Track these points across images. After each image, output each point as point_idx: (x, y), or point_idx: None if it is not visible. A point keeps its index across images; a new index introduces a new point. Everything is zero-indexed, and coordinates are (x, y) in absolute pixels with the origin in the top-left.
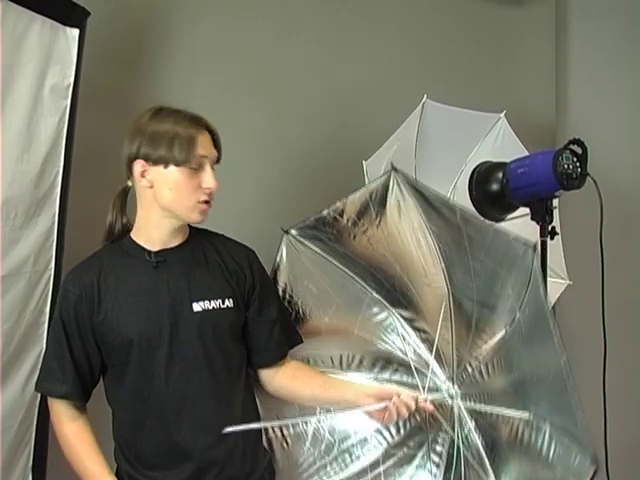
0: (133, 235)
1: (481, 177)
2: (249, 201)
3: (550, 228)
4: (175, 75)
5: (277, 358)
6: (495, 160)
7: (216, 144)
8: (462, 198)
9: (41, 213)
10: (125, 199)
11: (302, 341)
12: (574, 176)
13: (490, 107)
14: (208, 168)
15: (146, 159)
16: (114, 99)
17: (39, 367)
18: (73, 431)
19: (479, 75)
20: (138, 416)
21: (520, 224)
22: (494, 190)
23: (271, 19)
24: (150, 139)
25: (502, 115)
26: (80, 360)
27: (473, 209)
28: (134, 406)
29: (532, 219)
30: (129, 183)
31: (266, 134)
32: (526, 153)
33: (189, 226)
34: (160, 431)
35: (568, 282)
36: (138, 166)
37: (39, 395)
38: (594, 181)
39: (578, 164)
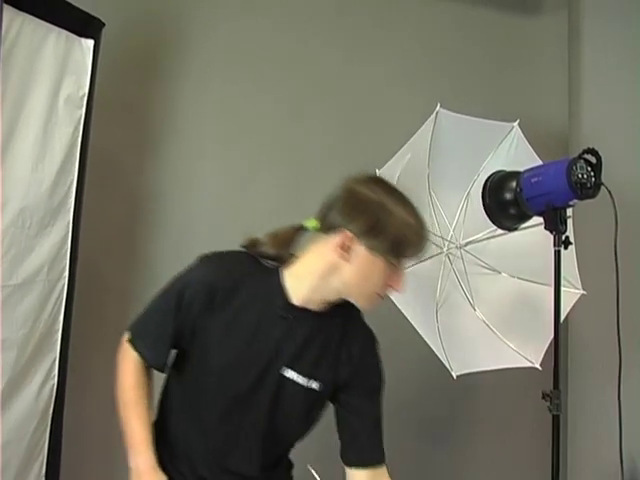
0: (286, 275)
1: (494, 186)
2: (260, 207)
3: (564, 238)
4: (188, 84)
5: (374, 460)
6: (509, 169)
7: None
8: (475, 207)
9: (55, 222)
10: (296, 238)
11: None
12: (588, 185)
13: (503, 116)
14: (402, 269)
15: (358, 237)
16: (127, 109)
17: (55, 373)
18: (136, 384)
19: (492, 84)
20: (182, 423)
21: (534, 233)
22: (508, 199)
23: (285, 27)
24: (378, 226)
25: (515, 124)
26: (177, 336)
27: (486, 218)
28: (182, 414)
29: (546, 228)
30: (309, 226)
31: (279, 142)
32: (540, 162)
33: None
34: (198, 444)
35: (582, 292)
36: (344, 238)
37: (52, 403)
38: (608, 191)
39: (592, 173)
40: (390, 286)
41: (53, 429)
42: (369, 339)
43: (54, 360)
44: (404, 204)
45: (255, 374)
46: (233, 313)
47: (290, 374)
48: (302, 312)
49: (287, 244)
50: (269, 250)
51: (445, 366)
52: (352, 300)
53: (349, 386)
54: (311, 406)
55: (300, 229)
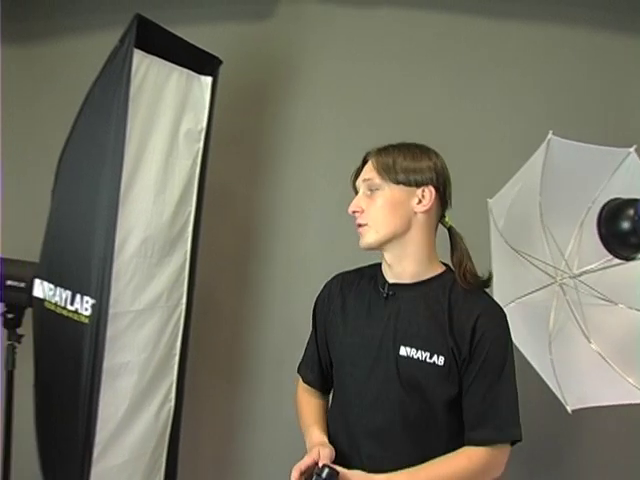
0: None
1: (610, 215)
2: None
3: None
4: (298, 117)
5: (470, 440)
6: (625, 197)
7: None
8: (589, 236)
9: (174, 251)
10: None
11: (514, 439)
12: None
13: (618, 142)
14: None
15: None
16: (241, 141)
17: (172, 396)
18: (304, 399)
19: (606, 109)
20: (335, 423)
21: None
22: (625, 228)
23: (393, 62)
24: None
25: (632, 150)
26: (322, 353)
27: (602, 247)
28: (335, 410)
29: None
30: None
31: None
32: None
33: (446, 265)
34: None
35: None
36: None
37: (169, 425)
38: None
39: None
40: None
41: (170, 450)
42: (485, 314)
43: (171, 383)
44: None
45: (372, 363)
46: (347, 309)
47: (407, 350)
48: (399, 287)
49: None
50: None
51: (559, 400)
52: None
53: (464, 361)
54: (439, 382)
55: None
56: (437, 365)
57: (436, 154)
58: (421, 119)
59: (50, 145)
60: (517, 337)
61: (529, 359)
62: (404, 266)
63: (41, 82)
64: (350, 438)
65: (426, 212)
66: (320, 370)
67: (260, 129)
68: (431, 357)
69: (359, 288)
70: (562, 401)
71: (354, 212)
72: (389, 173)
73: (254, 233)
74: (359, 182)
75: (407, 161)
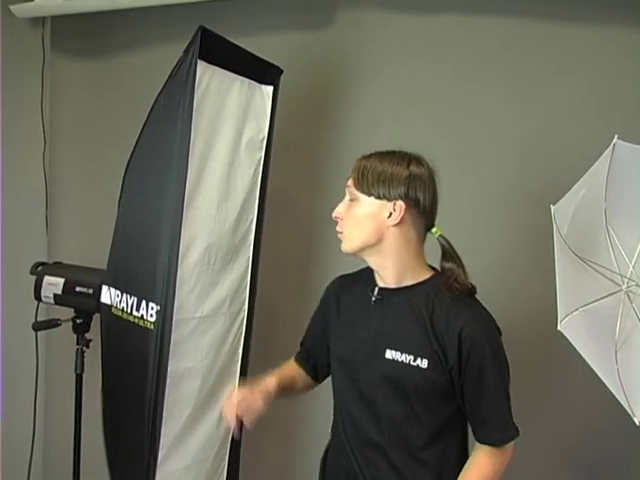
0: None
1: None
2: (435, 245)
3: None
4: (358, 125)
5: (481, 440)
6: None
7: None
8: None
9: (237, 258)
10: None
11: (509, 437)
12: None
13: None
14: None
15: None
16: (302, 149)
17: None
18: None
19: None
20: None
21: None
22: None
23: (453, 68)
24: None
25: None
26: (315, 344)
27: None
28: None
29: None
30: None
31: (451, 181)
32: None
33: (435, 270)
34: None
35: None
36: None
37: (231, 431)
38: None
39: None
40: None
41: (232, 455)
42: (471, 322)
43: (233, 389)
44: None
45: (362, 366)
46: (343, 312)
47: (392, 354)
48: (387, 292)
49: None
50: None
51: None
52: None
53: (451, 369)
54: (423, 384)
55: None
56: (420, 368)
57: (418, 163)
58: (481, 125)
59: (114, 155)
60: (581, 346)
61: (594, 368)
62: (385, 273)
63: (106, 95)
64: (349, 442)
65: (398, 225)
66: (310, 356)
67: (320, 136)
68: (415, 360)
69: (354, 292)
70: (629, 412)
71: (336, 217)
72: (363, 185)
73: (314, 240)
74: (347, 184)
75: (381, 175)
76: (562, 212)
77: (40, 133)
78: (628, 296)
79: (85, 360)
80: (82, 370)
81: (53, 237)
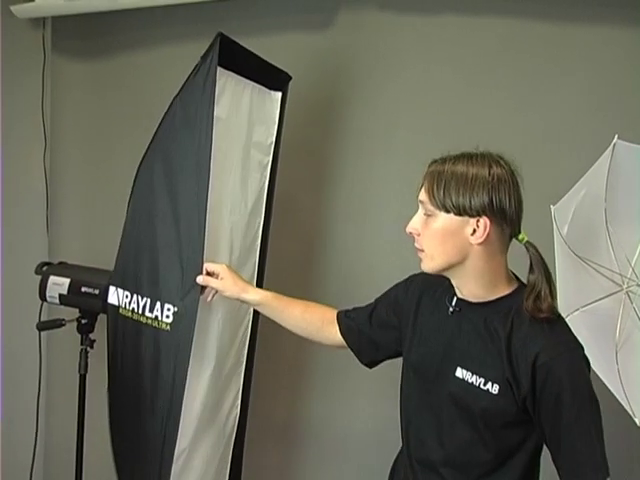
0: None
1: None
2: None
3: None
4: (361, 127)
5: None
6: None
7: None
8: None
9: (246, 262)
10: None
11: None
12: None
13: None
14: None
15: None
16: (307, 152)
17: (238, 403)
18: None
19: None
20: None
21: None
22: None
23: (457, 69)
24: None
25: None
26: (372, 326)
27: None
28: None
29: None
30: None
31: None
32: None
33: (520, 282)
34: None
35: None
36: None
37: (234, 432)
38: None
39: None
40: None
41: (235, 455)
42: (545, 352)
43: (238, 390)
44: None
45: (433, 377)
46: (422, 317)
47: (462, 373)
48: (465, 304)
49: None
50: None
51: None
52: None
53: (524, 399)
54: (489, 410)
55: None
56: (490, 393)
57: (498, 164)
58: (487, 125)
59: (115, 156)
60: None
61: (595, 369)
62: (467, 288)
63: (107, 96)
64: (410, 457)
65: (483, 243)
66: (361, 330)
67: (322, 138)
68: (485, 384)
69: (434, 296)
70: (630, 413)
71: (410, 233)
72: (439, 201)
73: (320, 244)
74: (419, 199)
75: (459, 185)
76: (562, 212)
77: (41, 134)
78: (628, 296)
79: (89, 361)
80: (86, 371)
81: (54, 237)
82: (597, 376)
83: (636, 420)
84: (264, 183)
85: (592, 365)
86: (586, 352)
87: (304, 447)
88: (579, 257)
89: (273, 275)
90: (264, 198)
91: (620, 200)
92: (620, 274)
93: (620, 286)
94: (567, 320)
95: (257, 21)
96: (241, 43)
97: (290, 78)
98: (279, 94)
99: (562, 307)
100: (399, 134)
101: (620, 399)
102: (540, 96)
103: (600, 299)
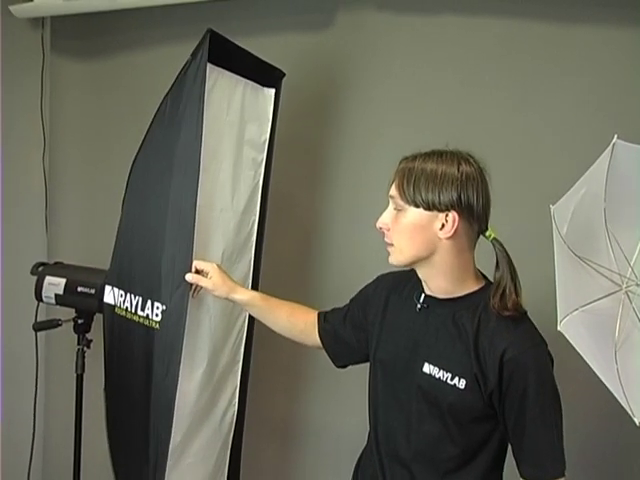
0: None
1: None
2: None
3: None
4: (359, 126)
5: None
6: None
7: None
8: None
9: (240, 259)
10: None
11: (548, 476)
12: None
13: None
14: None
15: None
16: (302, 150)
17: (235, 401)
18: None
19: None
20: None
21: None
22: None
23: (455, 69)
24: None
25: None
26: (346, 328)
27: None
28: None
29: None
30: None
31: None
32: None
33: (487, 279)
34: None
35: None
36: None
37: (232, 429)
38: None
39: None
40: None
41: (233, 453)
42: (514, 347)
43: (235, 388)
44: None
45: (400, 373)
46: (388, 316)
47: (429, 368)
48: (432, 300)
49: None
50: None
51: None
52: None
53: (491, 394)
54: (455, 404)
55: None
56: (457, 388)
57: (467, 162)
58: (486, 125)
59: (114, 156)
60: (581, 346)
61: (594, 369)
62: (436, 284)
63: (106, 96)
64: (379, 454)
65: (451, 237)
66: (335, 332)
67: (319, 137)
68: (452, 379)
69: (402, 294)
70: (629, 413)
71: (380, 228)
72: (410, 196)
73: (315, 241)
74: (390, 194)
75: (428, 181)
76: (561, 212)
77: (40, 133)
78: (628, 296)
79: (85, 360)
80: (83, 370)
81: (53, 237)
82: (597, 376)
83: (635, 420)
84: (258, 181)
85: (591, 365)
86: (586, 352)
87: (301, 446)
88: (578, 257)
89: (269, 272)
90: (258, 196)
91: (620, 200)
92: (619, 274)
93: (619, 286)
94: (566, 320)
95: (256, 21)
96: (239, 43)
97: (284, 75)
98: (272, 91)
99: (561, 307)
100: (396, 134)
101: (619, 399)
102: (540, 96)
103: (599, 299)
